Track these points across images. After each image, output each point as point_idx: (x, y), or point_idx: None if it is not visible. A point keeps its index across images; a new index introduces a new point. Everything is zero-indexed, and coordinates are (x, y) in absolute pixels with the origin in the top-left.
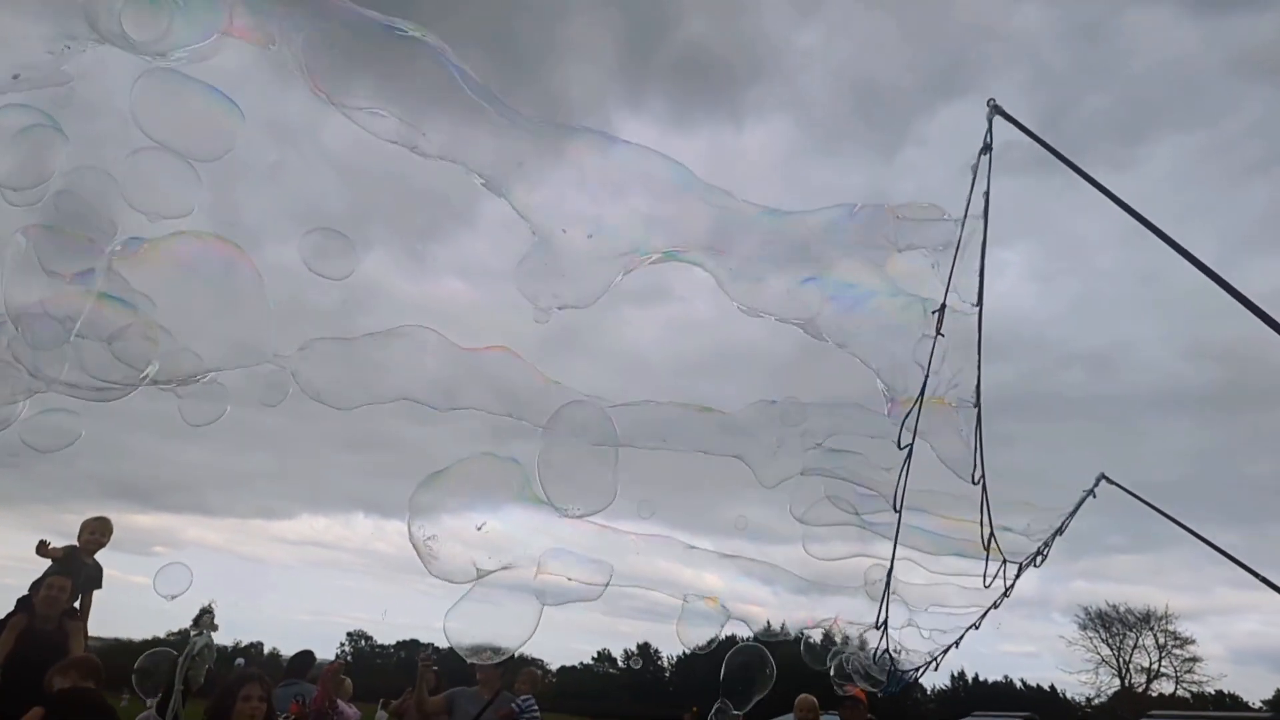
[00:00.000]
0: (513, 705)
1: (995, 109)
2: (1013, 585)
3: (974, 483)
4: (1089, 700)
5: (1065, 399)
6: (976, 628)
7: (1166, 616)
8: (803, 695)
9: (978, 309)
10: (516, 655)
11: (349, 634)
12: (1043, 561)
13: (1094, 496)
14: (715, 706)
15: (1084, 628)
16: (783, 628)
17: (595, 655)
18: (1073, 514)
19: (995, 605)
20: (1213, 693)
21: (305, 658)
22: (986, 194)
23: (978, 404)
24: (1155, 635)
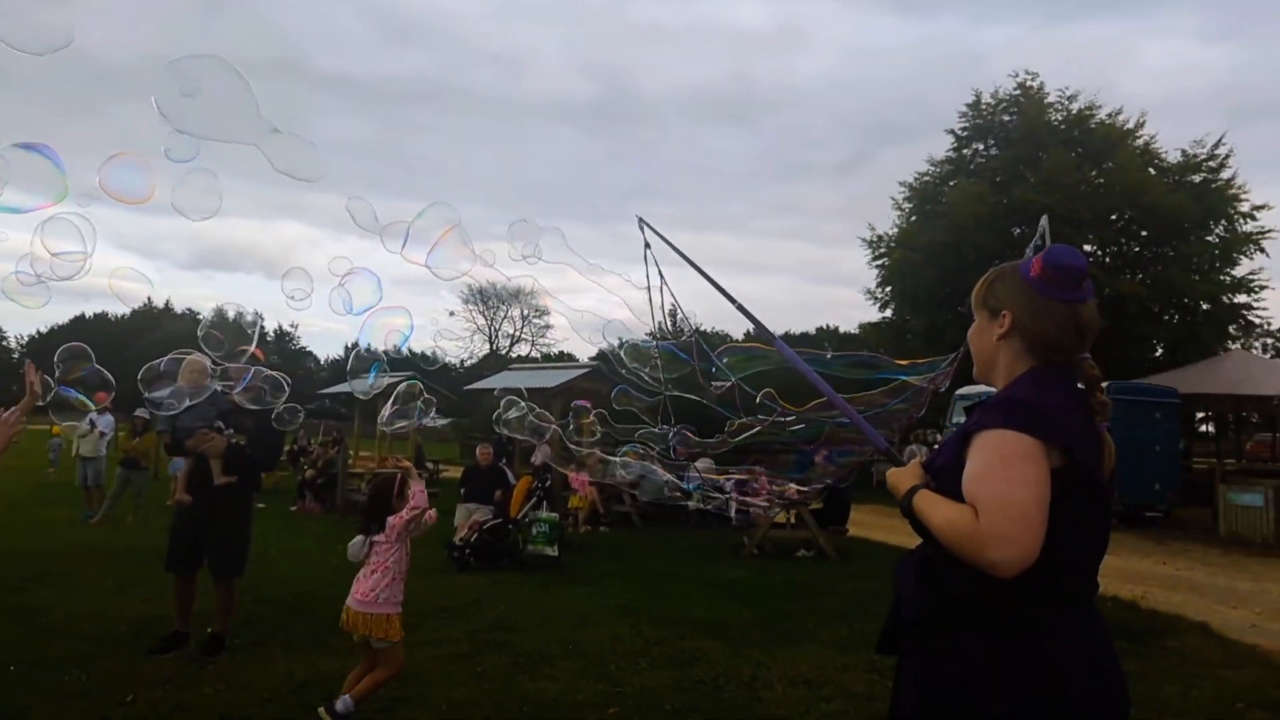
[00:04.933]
0: None
1: (642, 222)
2: None
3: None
4: (462, 362)
5: (474, 96)
6: None
7: (533, 293)
8: (193, 356)
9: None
10: None
11: None
12: None
13: None
14: None
15: (466, 302)
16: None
17: None
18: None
19: None
20: (556, 353)
21: None
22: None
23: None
24: (521, 309)
